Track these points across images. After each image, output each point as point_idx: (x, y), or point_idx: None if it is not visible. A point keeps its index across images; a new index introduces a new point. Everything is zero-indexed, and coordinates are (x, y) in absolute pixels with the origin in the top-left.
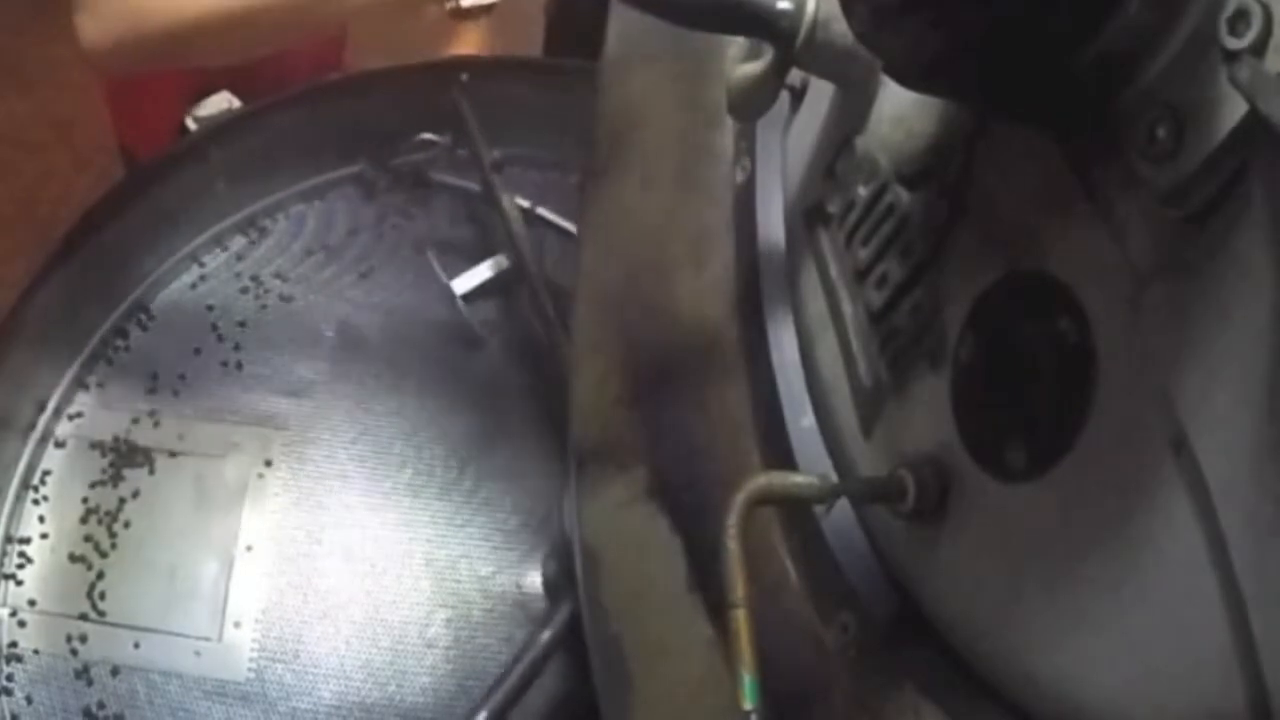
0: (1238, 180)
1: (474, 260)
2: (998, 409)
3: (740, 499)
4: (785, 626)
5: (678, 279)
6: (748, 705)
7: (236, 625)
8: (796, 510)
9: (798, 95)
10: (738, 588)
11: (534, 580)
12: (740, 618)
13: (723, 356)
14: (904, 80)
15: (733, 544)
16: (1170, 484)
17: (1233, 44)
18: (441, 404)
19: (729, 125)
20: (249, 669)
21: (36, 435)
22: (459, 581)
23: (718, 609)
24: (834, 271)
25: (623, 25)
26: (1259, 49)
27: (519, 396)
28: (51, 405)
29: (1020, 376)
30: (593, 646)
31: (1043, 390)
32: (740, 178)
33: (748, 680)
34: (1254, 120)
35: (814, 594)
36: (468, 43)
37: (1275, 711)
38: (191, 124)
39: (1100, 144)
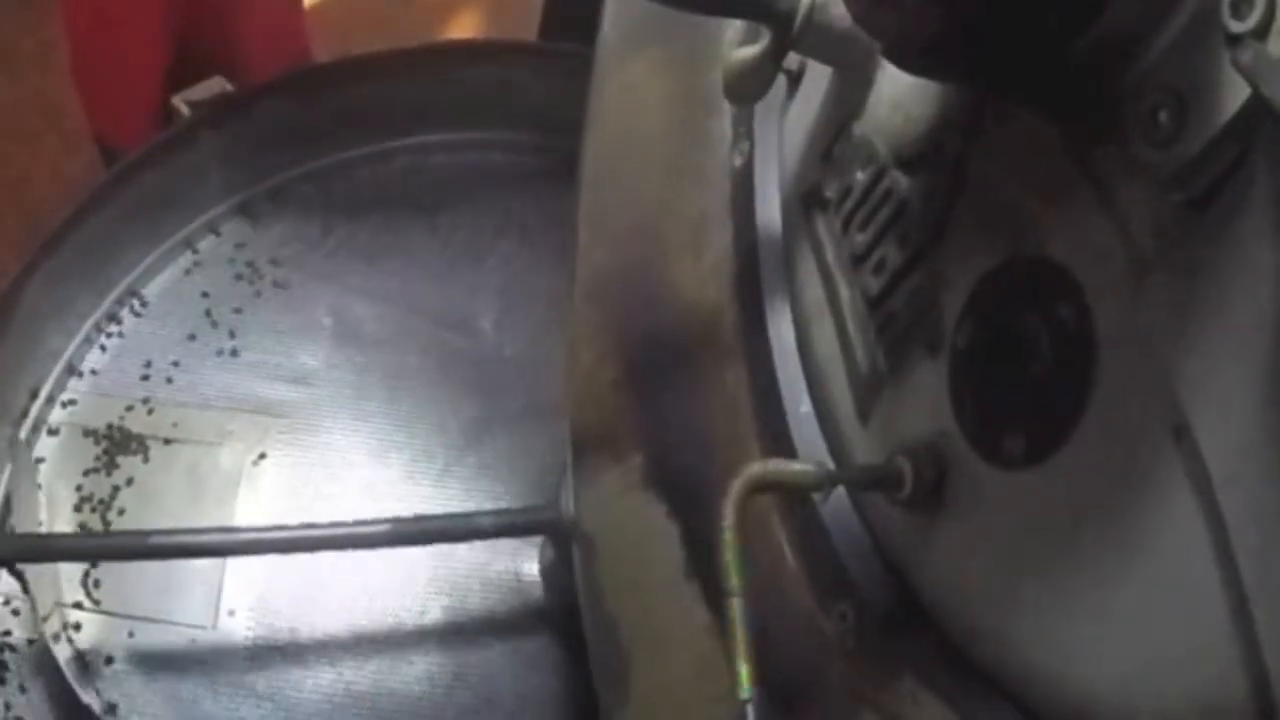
0: (1240, 164)
1: None
2: (996, 396)
3: (737, 487)
4: (784, 614)
5: (676, 264)
6: (744, 694)
7: (231, 613)
8: (795, 497)
9: (795, 79)
10: (734, 576)
11: (531, 568)
12: (736, 606)
13: (721, 342)
14: (903, 63)
15: (730, 532)
16: (1171, 472)
17: (1235, 27)
18: (439, 392)
19: (726, 110)
20: (244, 657)
21: (29, 423)
22: (455, 569)
23: (714, 595)
24: (831, 257)
25: (618, 11)
26: (1262, 32)
27: (517, 384)
28: (44, 392)
29: (1019, 363)
30: (590, 632)
31: (1042, 377)
32: (738, 162)
33: (744, 669)
34: (1257, 104)
35: (813, 582)
36: (464, 27)
37: (1276, 700)
38: (184, 108)
39: (1101, 128)
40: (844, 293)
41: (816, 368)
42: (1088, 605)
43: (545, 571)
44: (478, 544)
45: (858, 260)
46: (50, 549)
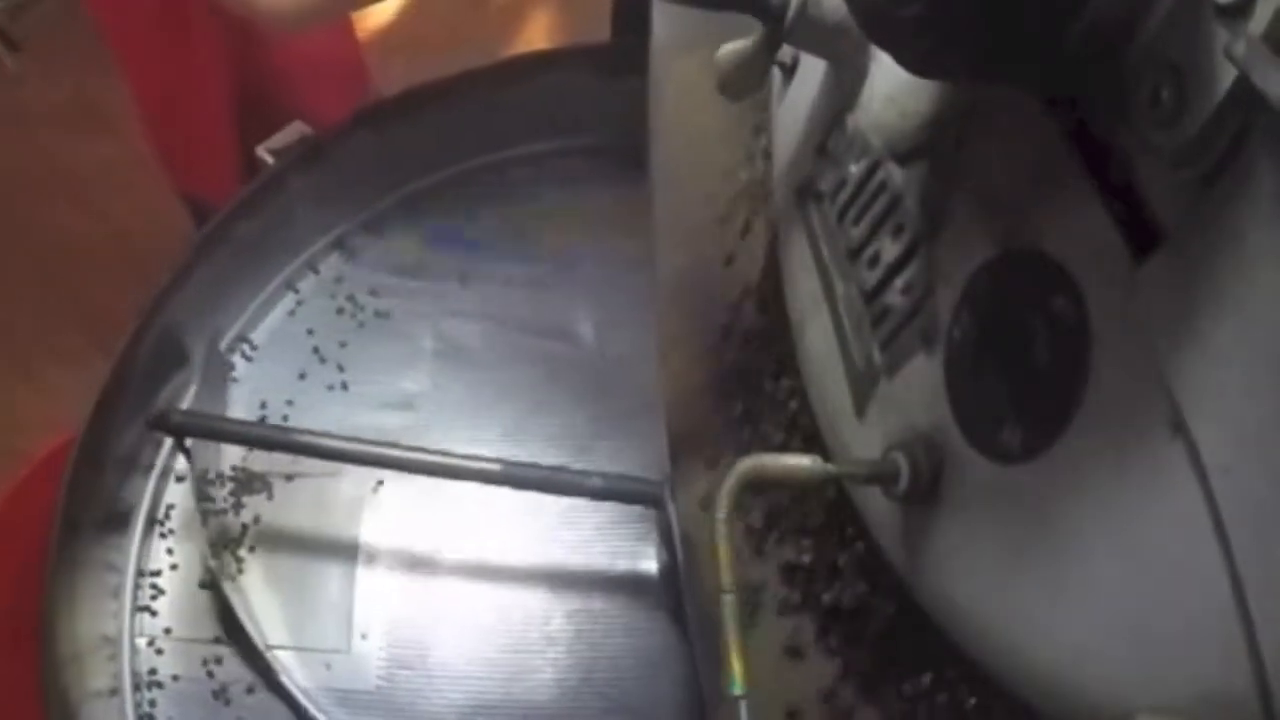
0: (1242, 139)
1: None
2: (992, 389)
3: (730, 482)
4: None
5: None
6: (737, 691)
7: (364, 636)
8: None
9: (789, 72)
10: (726, 573)
11: (651, 567)
12: (728, 603)
13: (789, 340)
14: (905, 66)
15: (724, 529)
16: (1170, 465)
17: None
18: (547, 402)
19: None
20: (378, 677)
21: (157, 471)
22: (576, 575)
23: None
24: (826, 250)
25: (667, 14)
26: (1244, 6)
27: (625, 386)
28: (169, 441)
29: (1015, 356)
30: (694, 629)
31: (1038, 370)
32: None
33: (737, 667)
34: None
35: None
36: (536, 28)
37: (1273, 684)
38: (268, 158)
39: (1104, 114)
40: (839, 286)
41: (812, 361)
42: (1087, 599)
43: (663, 572)
44: (595, 549)
45: (853, 254)
46: (213, 429)
